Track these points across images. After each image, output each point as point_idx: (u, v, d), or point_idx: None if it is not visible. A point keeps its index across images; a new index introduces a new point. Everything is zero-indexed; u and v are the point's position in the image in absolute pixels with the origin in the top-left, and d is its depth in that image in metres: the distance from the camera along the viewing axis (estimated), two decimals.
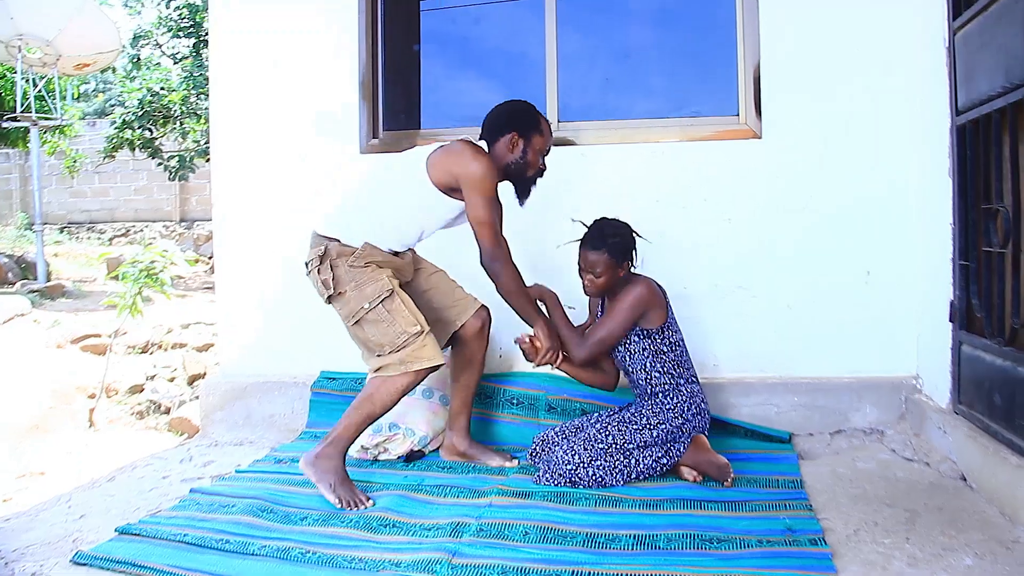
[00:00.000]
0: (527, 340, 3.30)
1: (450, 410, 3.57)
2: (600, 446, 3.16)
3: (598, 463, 3.13)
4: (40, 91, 10.28)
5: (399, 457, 3.54)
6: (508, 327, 3.95)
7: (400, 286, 3.24)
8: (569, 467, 3.12)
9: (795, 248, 3.84)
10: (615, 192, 3.98)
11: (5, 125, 11.27)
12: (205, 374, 5.92)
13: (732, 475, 3.12)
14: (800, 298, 3.83)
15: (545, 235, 3.91)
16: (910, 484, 3.05)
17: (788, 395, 3.78)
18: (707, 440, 3.28)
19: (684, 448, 3.21)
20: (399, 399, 3.16)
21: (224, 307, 4.39)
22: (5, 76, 11.15)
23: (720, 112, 4.02)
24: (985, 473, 2.92)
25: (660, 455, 3.19)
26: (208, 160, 9.89)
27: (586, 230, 3.31)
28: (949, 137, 3.40)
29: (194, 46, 12.98)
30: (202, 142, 12.09)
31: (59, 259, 11.62)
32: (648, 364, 3.28)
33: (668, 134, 4.03)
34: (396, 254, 3.32)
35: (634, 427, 3.19)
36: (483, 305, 3.54)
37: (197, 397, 4.81)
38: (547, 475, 3.16)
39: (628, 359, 3.33)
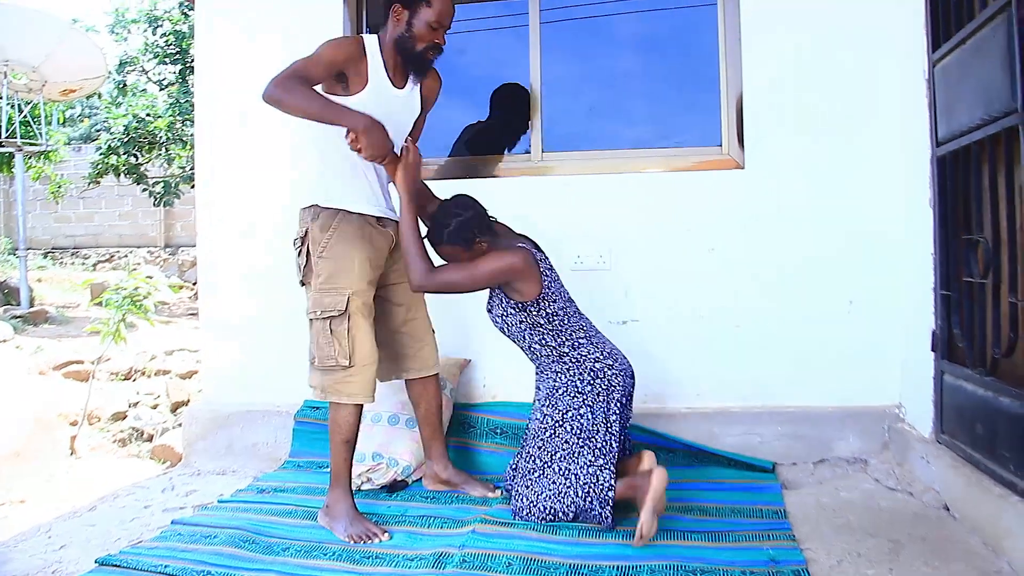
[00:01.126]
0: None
1: (422, 439, 3.54)
2: (535, 475, 3.11)
3: (544, 496, 3.05)
4: (25, 116, 10.27)
5: (382, 487, 3.53)
6: (493, 356, 3.98)
7: (365, 294, 3.13)
8: (532, 507, 3.07)
9: (778, 277, 3.85)
10: (598, 222, 4.00)
11: None
12: (189, 401, 5.89)
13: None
14: (783, 327, 3.85)
15: None
16: (893, 514, 3.05)
17: (772, 424, 3.78)
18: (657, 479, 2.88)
19: (609, 440, 3.06)
20: (355, 423, 3.12)
21: (207, 335, 4.38)
22: None
23: (703, 143, 4.05)
24: (968, 503, 2.92)
25: (591, 459, 3.03)
26: (193, 186, 9.91)
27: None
28: (930, 168, 3.43)
29: (180, 72, 13.03)
30: (187, 168, 12.10)
31: (43, 284, 11.56)
32: (528, 336, 3.21)
33: (651, 164, 4.05)
34: (371, 223, 3.19)
35: (547, 435, 3.11)
36: (435, 375, 3.49)
37: (180, 425, 4.78)
38: (520, 513, 3.10)
39: (507, 330, 3.29)
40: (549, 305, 3.16)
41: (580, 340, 3.18)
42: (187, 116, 11.51)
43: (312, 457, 3.92)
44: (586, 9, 4.44)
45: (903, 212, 3.70)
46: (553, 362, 3.18)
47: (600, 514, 2.97)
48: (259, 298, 4.23)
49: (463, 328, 4.04)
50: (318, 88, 2.98)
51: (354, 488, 3.49)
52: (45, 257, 15.49)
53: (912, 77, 3.55)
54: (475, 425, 3.89)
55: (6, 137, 9.99)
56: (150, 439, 5.46)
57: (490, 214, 3.26)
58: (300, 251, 3.17)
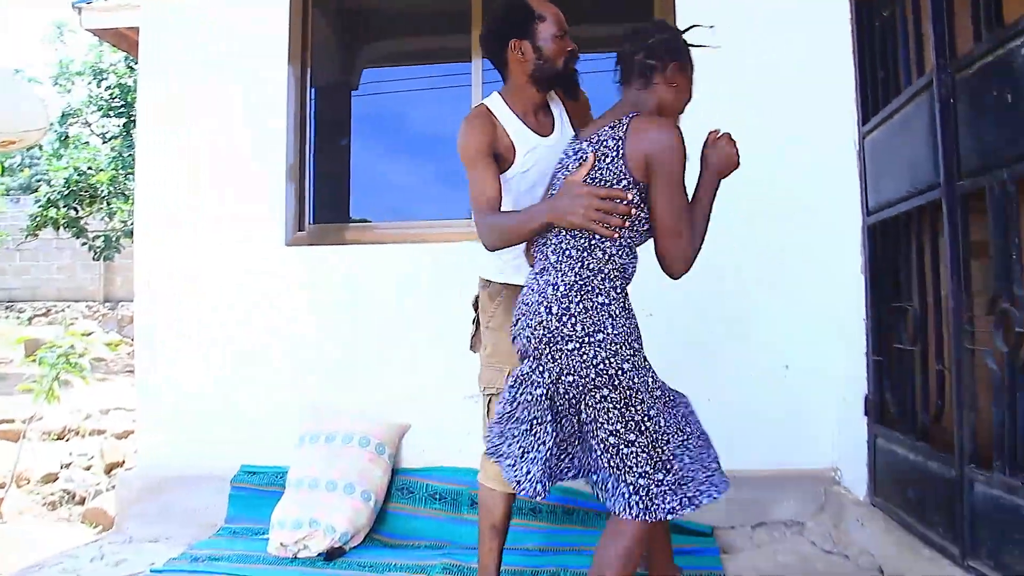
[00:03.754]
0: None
1: None
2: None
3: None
4: None
5: (319, 555, 3.46)
6: (432, 421, 3.96)
7: None
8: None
9: (715, 342, 3.89)
10: None
11: None
12: (124, 462, 5.77)
13: None
14: (720, 391, 3.86)
15: (464, 331, 3.94)
16: None
17: None
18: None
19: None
20: (506, 511, 2.86)
21: (143, 396, 4.29)
22: None
23: None
24: (901, 566, 2.96)
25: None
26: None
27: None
28: (861, 236, 3.52)
29: (124, 126, 12.93)
30: (129, 222, 11.96)
31: None
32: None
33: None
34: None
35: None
36: None
37: (114, 487, 4.67)
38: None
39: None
40: None
41: None
42: (130, 170, 11.41)
43: (248, 523, 3.84)
44: None
45: (838, 278, 3.77)
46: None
47: None
48: (198, 359, 4.17)
49: (402, 392, 4.02)
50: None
51: (289, 556, 3.45)
52: None
53: (845, 148, 3.65)
54: (414, 491, 3.85)
55: None
56: (82, 502, 5.33)
57: None
58: (474, 318, 3.02)
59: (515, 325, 2.47)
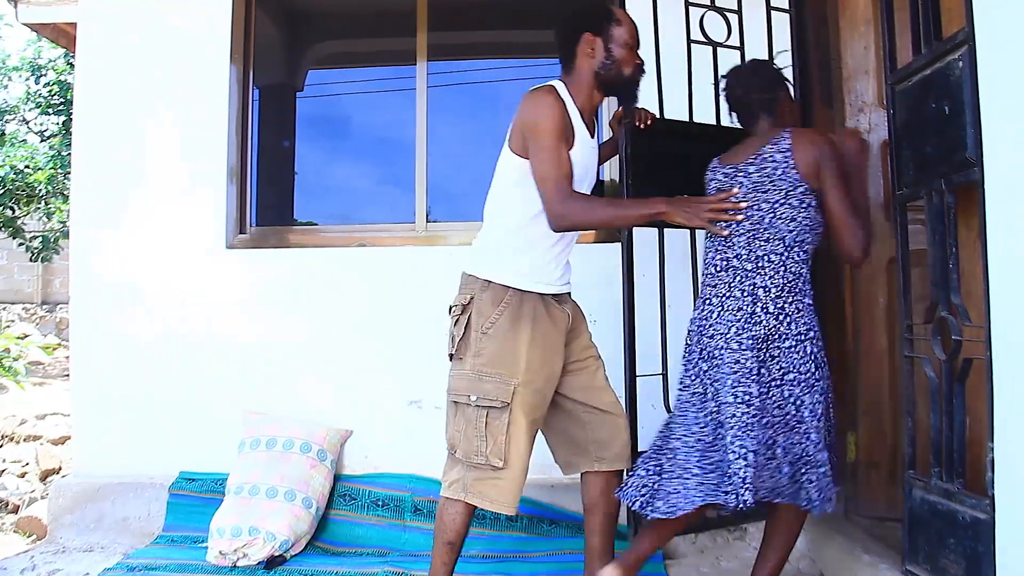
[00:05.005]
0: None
1: (590, 551, 2.91)
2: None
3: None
4: None
5: (259, 563, 3.41)
6: (375, 426, 3.93)
7: (537, 396, 2.72)
8: None
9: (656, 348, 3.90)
10: None
11: None
12: (60, 469, 5.63)
13: None
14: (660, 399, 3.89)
15: (407, 336, 3.93)
16: None
17: None
18: None
19: None
20: (466, 524, 2.75)
21: (79, 400, 4.19)
22: None
23: None
24: (841, 571, 3.01)
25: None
26: None
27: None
28: None
29: (63, 124, 12.64)
30: (68, 223, 11.71)
31: None
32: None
33: None
34: (543, 297, 2.76)
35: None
36: (617, 472, 2.90)
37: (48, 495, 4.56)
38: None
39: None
40: None
41: None
42: (69, 169, 11.13)
43: (187, 531, 3.77)
44: (473, 76, 4.52)
45: None
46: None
47: None
48: (135, 363, 4.09)
49: (345, 398, 3.98)
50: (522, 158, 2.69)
51: (229, 564, 3.39)
52: None
53: None
54: (356, 497, 3.80)
55: None
56: (16, 510, 5.18)
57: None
58: (458, 320, 2.72)
59: (700, 338, 2.68)
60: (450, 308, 2.80)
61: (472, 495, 2.67)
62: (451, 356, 2.77)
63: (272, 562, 3.42)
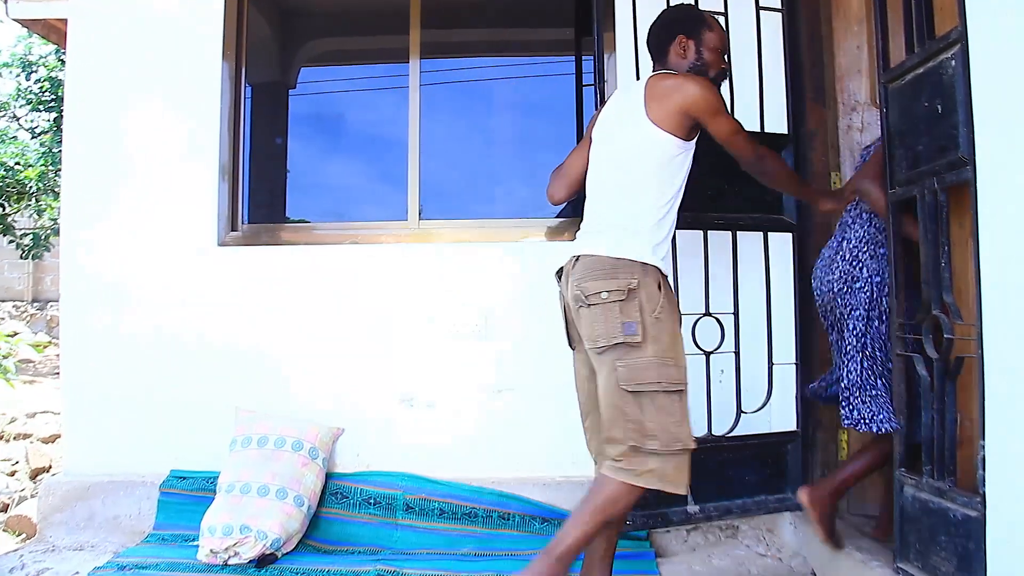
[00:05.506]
0: None
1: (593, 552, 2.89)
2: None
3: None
4: None
5: (250, 561, 3.39)
6: (366, 424, 3.93)
7: None
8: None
9: None
10: (475, 290, 4.00)
11: None
12: (50, 467, 5.60)
13: None
14: None
15: (400, 334, 3.93)
16: None
17: None
18: None
19: None
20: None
21: (69, 398, 4.17)
22: None
23: (579, 214, 4.10)
24: (832, 568, 3.02)
25: None
26: None
27: None
28: None
29: (55, 120, 12.59)
30: (59, 220, 11.65)
31: None
32: None
33: (528, 233, 4.08)
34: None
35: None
36: None
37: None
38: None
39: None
40: None
41: None
42: (60, 166, 11.11)
43: (178, 530, 3.75)
44: (466, 74, 4.51)
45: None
46: None
47: None
48: (126, 361, 4.06)
49: (337, 396, 3.97)
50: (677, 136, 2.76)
51: (220, 563, 3.38)
52: None
53: None
54: (348, 495, 3.79)
55: None
56: (5, 509, 5.15)
57: None
58: (619, 304, 2.61)
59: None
60: (590, 296, 2.67)
61: (671, 484, 2.56)
62: (613, 346, 2.62)
63: (263, 560, 3.41)
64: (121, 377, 4.07)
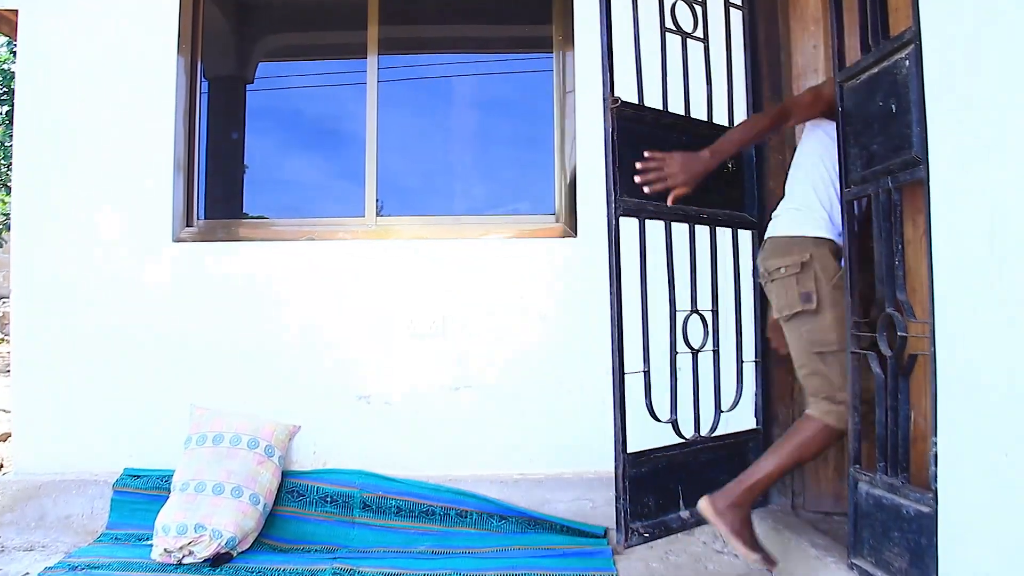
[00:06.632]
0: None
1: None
2: None
3: None
4: None
5: (205, 560, 3.36)
6: (323, 421, 3.90)
7: None
8: None
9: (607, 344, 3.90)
10: (433, 288, 3.99)
11: None
12: (1, 466, 5.51)
13: None
14: (610, 394, 3.89)
15: (357, 331, 3.91)
16: None
17: (604, 489, 3.78)
18: None
19: None
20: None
21: (20, 396, 4.10)
22: None
23: (539, 209, 4.12)
24: (789, 564, 3.03)
25: None
26: None
27: None
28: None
29: (7, 114, 12.39)
30: (10, 215, 11.47)
31: None
32: None
33: (487, 230, 4.07)
34: None
35: None
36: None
37: None
38: None
39: None
40: None
41: None
42: (12, 161, 10.94)
43: (132, 529, 3.70)
44: (425, 70, 4.49)
45: None
46: None
47: None
48: (78, 358, 4.01)
49: (293, 393, 3.94)
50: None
51: (174, 562, 3.34)
52: None
53: None
54: (304, 493, 3.77)
55: None
56: None
57: None
58: (798, 277, 2.88)
59: None
60: (772, 272, 2.98)
61: (844, 427, 2.77)
62: (796, 314, 2.91)
63: (218, 559, 3.37)
64: (74, 375, 4.01)
